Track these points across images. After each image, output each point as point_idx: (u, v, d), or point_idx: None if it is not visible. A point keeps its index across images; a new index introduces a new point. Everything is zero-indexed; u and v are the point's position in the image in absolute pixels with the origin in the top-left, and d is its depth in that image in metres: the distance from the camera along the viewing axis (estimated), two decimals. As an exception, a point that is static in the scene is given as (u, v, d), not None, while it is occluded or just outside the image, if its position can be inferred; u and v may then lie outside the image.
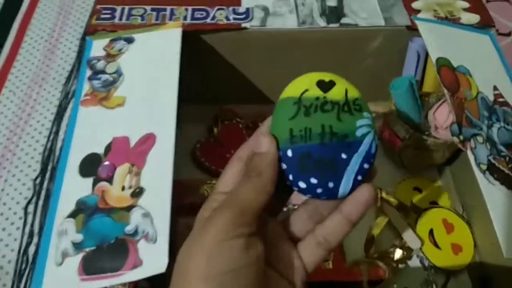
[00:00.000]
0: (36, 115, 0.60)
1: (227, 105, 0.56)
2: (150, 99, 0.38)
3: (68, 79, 0.64)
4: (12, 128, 0.59)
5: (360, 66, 0.51)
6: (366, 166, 0.25)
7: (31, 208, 0.52)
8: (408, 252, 0.46)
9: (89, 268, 0.30)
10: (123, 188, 0.33)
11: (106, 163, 0.34)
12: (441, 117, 0.45)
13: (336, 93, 0.27)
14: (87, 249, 0.31)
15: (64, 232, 0.32)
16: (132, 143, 0.35)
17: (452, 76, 0.37)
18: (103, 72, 0.40)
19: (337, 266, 0.44)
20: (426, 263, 0.47)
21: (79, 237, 0.31)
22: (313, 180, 0.25)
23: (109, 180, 0.34)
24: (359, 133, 0.26)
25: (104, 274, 0.29)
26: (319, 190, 0.25)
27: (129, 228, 0.31)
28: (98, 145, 0.35)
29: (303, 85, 0.27)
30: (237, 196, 0.24)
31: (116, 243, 0.30)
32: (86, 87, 0.40)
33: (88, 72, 0.41)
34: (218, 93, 0.54)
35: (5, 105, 0.61)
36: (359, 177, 0.25)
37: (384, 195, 0.49)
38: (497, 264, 0.44)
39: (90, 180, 0.34)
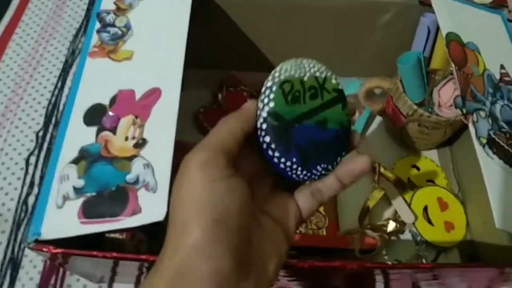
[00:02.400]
0: (42, 70, 0.60)
1: (233, 71, 0.56)
2: (157, 54, 0.38)
3: (76, 36, 0.64)
4: (18, 81, 0.59)
5: (368, 39, 0.51)
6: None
7: (32, 159, 0.53)
8: (401, 225, 0.47)
9: (89, 212, 0.31)
10: (126, 139, 0.33)
11: (111, 113, 0.35)
12: (446, 95, 0.45)
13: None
14: (88, 194, 0.31)
15: (65, 177, 0.32)
16: (138, 96, 0.35)
17: (461, 51, 0.37)
18: (112, 25, 0.40)
19: (331, 233, 0.45)
20: (418, 238, 0.48)
21: (80, 183, 0.32)
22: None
23: (113, 130, 0.34)
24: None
25: (103, 219, 0.30)
26: None
27: (130, 177, 0.31)
28: (103, 96, 0.36)
29: None
30: (212, 136, 0.24)
31: (116, 190, 0.31)
32: (94, 39, 0.40)
33: (97, 25, 0.40)
34: (225, 58, 0.54)
35: (11, 57, 0.61)
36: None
37: (382, 169, 0.49)
38: (487, 242, 0.45)
39: (94, 129, 0.34)
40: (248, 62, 0.54)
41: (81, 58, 0.39)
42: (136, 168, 0.32)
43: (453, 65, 0.36)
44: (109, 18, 0.41)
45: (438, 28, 0.45)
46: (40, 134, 0.55)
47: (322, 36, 0.51)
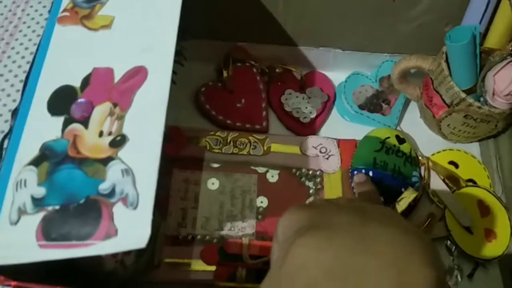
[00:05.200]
0: (20, 37, 0.52)
1: (240, 43, 0.47)
2: (144, 22, 0.29)
3: (58, -4, 0.55)
4: (-9, 49, 0.51)
5: (410, 11, 0.41)
6: (411, 203, 0.39)
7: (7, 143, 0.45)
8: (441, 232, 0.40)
9: (50, 232, 0.23)
10: (100, 134, 0.26)
11: (82, 100, 0.27)
12: (503, 81, 0.37)
13: (405, 148, 0.42)
14: (50, 208, 0.24)
15: (22, 183, 0.25)
16: (117, 77, 0.27)
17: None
18: (87, -18, 0.31)
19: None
20: (453, 249, 0.41)
21: (40, 191, 0.25)
22: (381, 198, 0.38)
23: (84, 121, 0.26)
24: (413, 179, 0.41)
25: (68, 242, 0.23)
26: None
27: (104, 186, 0.24)
28: (74, 76, 0.28)
29: (387, 134, 0.42)
30: None
31: (86, 204, 0.24)
32: (66, 0, 0.31)
33: (70, -18, 0.32)
34: (233, 28, 0.45)
35: (-16, 21, 0.53)
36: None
37: (431, 164, 0.42)
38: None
39: (60, 120, 0.27)
40: (258, 33, 0.45)
41: (48, 25, 0.30)
42: (112, 175, 0.24)
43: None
44: (86, -27, 0.32)
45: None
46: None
47: (352, 6, 0.42)
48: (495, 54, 0.37)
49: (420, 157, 0.43)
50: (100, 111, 0.26)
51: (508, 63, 0.36)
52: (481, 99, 0.38)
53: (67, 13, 0.30)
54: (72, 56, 0.29)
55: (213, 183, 0.41)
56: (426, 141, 0.46)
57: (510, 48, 0.36)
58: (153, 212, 0.35)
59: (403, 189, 0.39)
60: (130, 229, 0.23)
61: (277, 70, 0.47)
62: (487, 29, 0.38)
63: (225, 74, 0.47)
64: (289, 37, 0.45)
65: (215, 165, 0.41)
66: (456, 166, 0.44)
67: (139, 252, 0.33)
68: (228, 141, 0.42)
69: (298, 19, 0.43)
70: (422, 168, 0.43)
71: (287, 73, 0.48)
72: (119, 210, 0.23)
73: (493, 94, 0.37)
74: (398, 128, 0.45)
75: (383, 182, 0.39)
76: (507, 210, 0.42)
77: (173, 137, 0.42)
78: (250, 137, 0.43)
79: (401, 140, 0.42)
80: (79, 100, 0.27)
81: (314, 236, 0.19)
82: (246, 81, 0.47)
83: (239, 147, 0.42)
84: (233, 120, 0.45)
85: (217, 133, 0.42)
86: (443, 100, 0.39)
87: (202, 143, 0.41)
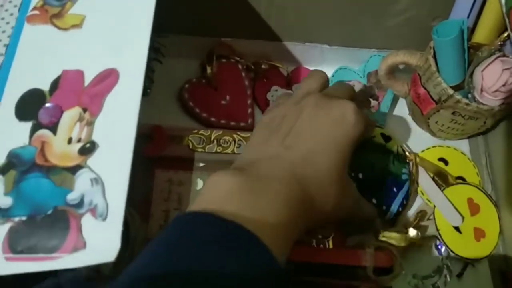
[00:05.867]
0: (-2, 33, 0.51)
1: (224, 38, 0.46)
2: (116, 21, 0.28)
3: (37, -10, 0.53)
4: (-32, 46, 0.49)
5: (396, 4, 0.40)
6: (404, 202, 0.39)
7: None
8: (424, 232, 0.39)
9: (17, 244, 0.23)
10: (69, 141, 0.25)
11: (50, 104, 0.26)
12: (491, 77, 0.36)
13: (392, 145, 0.41)
14: (16, 219, 0.23)
15: (-12, 192, 0.24)
16: (87, 80, 0.26)
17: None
18: (57, -21, 0.30)
19: (338, 245, 0.37)
20: (443, 249, 0.40)
21: (7, 201, 0.24)
22: (374, 201, 0.38)
23: (53, 127, 0.25)
24: (403, 177, 0.39)
25: (34, 255, 0.22)
26: None
27: (72, 197, 0.23)
28: (42, 79, 0.27)
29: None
30: None
31: (53, 215, 0.23)
32: (35, -2, 0.30)
33: (39, -21, 0.30)
34: (217, 23, 0.44)
35: (-39, 16, 0.51)
36: (400, 209, 0.38)
37: (418, 160, 0.41)
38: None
39: (28, 125, 0.25)
40: (243, 28, 0.44)
41: (17, 24, 0.29)
42: (81, 184, 0.23)
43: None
44: (56, -31, 0.31)
45: (488, -10, 0.35)
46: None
47: (335, 1, 0.40)
48: (483, 49, 0.36)
49: (407, 153, 0.42)
50: (69, 116, 0.25)
51: (496, 58, 0.35)
52: (469, 95, 0.37)
53: (36, 12, 0.29)
54: (41, 58, 0.28)
55: (197, 183, 0.40)
56: (416, 138, 0.45)
57: (499, 43, 0.35)
58: (133, 215, 0.34)
59: (394, 189, 0.39)
60: (99, 241, 0.22)
61: (262, 66, 0.46)
62: (475, 24, 0.36)
63: (209, 70, 0.45)
64: (274, 33, 0.44)
65: (199, 165, 0.40)
66: (446, 163, 0.44)
67: (117, 260, 0.32)
68: (212, 139, 0.41)
69: (282, 14, 0.42)
70: (410, 164, 0.42)
71: (273, 69, 0.47)
72: (87, 221, 0.23)
73: (481, 90, 0.36)
74: (386, 124, 0.44)
75: (373, 183, 0.38)
76: (496, 208, 0.42)
77: (155, 137, 0.41)
78: (235, 135, 0.42)
79: (386, 138, 0.41)
80: (47, 105, 0.26)
81: (229, 171, 0.26)
82: (231, 77, 0.46)
83: (223, 146, 0.41)
84: (217, 118, 0.44)
85: (200, 132, 0.41)
86: (431, 96, 0.38)
87: (185, 142, 0.40)
